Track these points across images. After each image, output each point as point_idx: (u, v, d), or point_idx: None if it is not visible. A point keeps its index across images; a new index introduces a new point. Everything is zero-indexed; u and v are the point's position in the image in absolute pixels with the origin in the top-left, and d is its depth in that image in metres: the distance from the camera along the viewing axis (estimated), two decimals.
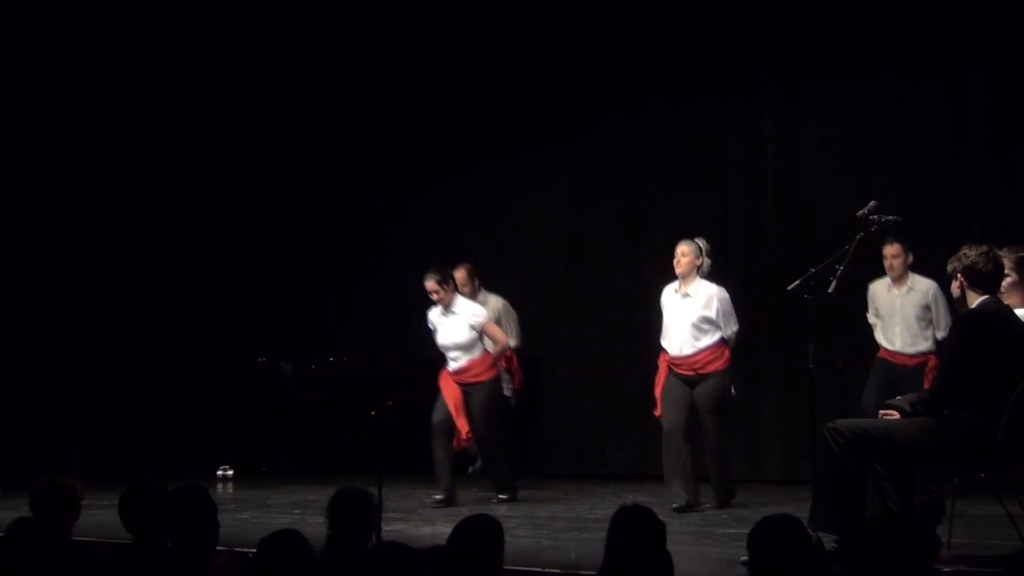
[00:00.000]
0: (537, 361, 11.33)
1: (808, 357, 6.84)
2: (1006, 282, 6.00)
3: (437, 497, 8.92)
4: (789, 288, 7.42)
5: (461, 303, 9.16)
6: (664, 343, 8.61)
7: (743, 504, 8.65)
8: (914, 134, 10.00)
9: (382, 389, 9.42)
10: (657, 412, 8.63)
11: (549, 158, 11.44)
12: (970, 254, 5.80)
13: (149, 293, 11.55)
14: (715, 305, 8.42)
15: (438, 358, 9.36)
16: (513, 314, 10.24)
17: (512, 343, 9.85)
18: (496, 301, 10.12)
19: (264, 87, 12.12)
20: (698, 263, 8.46)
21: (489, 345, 9.27)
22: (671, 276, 8.62)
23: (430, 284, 9.04)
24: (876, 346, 9.19)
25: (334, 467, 10.55)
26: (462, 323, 9.06)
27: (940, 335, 8.86)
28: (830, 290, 6.52)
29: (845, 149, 10.28)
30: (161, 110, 11.58)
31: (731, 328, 8.52)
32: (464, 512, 6.77)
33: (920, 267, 9.02)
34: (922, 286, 8.90)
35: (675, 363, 8.52)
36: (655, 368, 8.72)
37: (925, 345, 8.91)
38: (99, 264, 11.26)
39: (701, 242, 8.51)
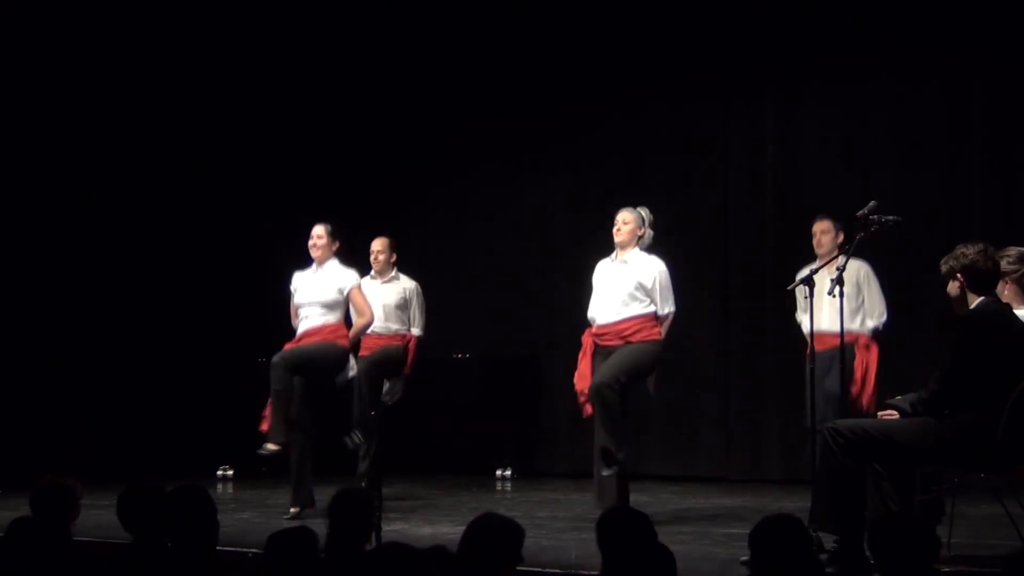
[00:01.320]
0: (537, 361, 11.34)
1: (809, 356, 6.86)
2: (1008, 290, 6.00)
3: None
4: (789, 288, 7.44)
5: (334, 264, 8.52)
6: (591, 314, 7.96)
7: (743, 504, 8.65)
8: (914, 134, 10.01)
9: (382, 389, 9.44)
10: (582, 399, 7.87)
11: (549, 158, 11.44)
12: (968, 253, 5.79)
13: (149, 293, 11.55)
14: (653, 275, 7.81)
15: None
16: (423, 302, 9.47)
17: (415, 331, 9.28)
18: (408, 282, 9.42)
19: (264, 87, 12.12)
20: (640, 233, 7.91)
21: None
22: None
23: (318, 229, 8.51)
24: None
25: (334, 467, 10.55)
26: (330, 282, 8.45)
27: (872, 323, 8.48)
28: (829, 290, 6.52)
29: (845, 149, 10.28)
30: (161, 110, 11.58)
31: (667, 306, 7.85)
32: (465, 512, 6.79)
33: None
34: (852, 266, 8.10)
35: (602, 334, 7.82)
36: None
37: (853, 325, 8.23)
38: (99, 264, 11.26)
39: (644, 212, 7.98)
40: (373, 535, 5.04)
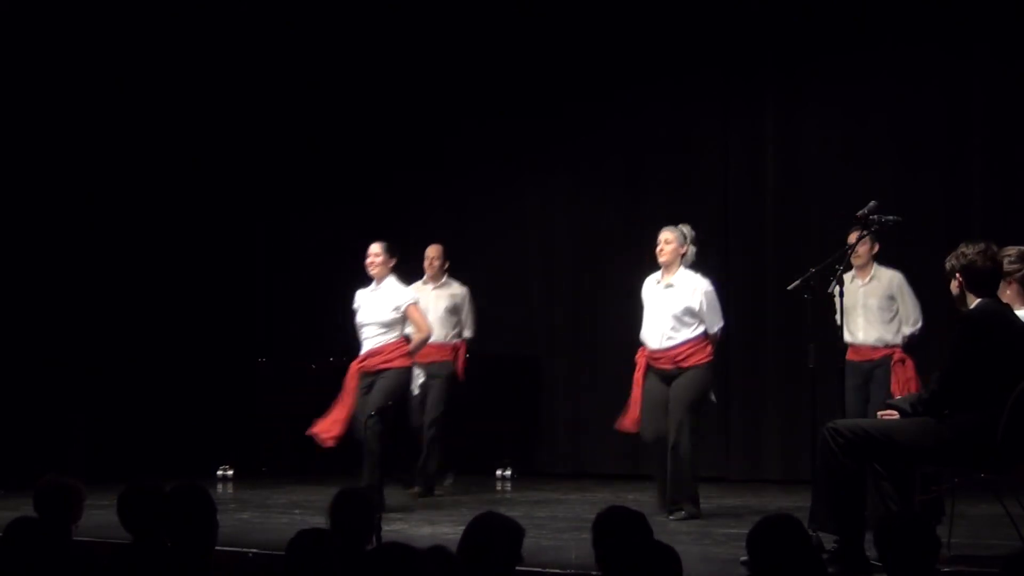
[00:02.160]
0: (537, 361, 11.34)
1: (808, 357, 6.85)
2: (1010, 290, 6.00)
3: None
4: (789, 288, 7.43)
5: (391, 282, 8.72)
6: (644, 336, 8.15)
7: (743, 504, 8.64)
8: (914, 134, 10.01)
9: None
10: (626, 422, 8.11)
11: (549, 158, 11.44)
12: (968, 252, 5.78)
13: (149, 293, 11.54)
14: (699, 298, 7.98)
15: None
16: (474, 305, 9.97)
17: (466, 333, 9.88)
18: (459, 288, 9.91)
19: (264, 87, 12.12)
20: (682, 251, 8.04)
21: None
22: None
23: (374, 248, 8.71)
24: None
25: (334, 467, 10.56)
26: (387, 301, 8.64)
27: (908, 330, 8.60)
28: (830, 290, 6.53)
29: (845, 149, 10.29)
30: (161, 110, 11.57)
31: (716, 324, 8.06)
32: (465, 512, 6.79)
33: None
34: (885, 276, 8.61)
35: (655, 357, 8.02)
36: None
37: (888, 336, 8.55)
38: (99, 264, 11.25)
39: (686, 229, 8.11)
40: (373, 535, 5.03)
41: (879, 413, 6.02)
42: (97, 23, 11.01)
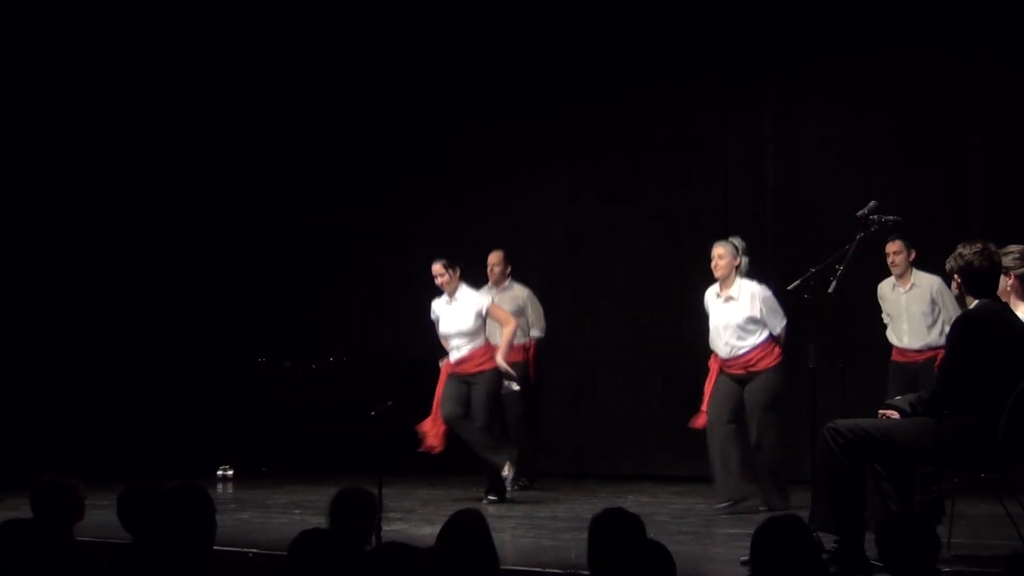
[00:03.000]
0: (537, 361, 11.31)
1: (808, 357, 6.85)
2: (1011, 284, 6.00)
3: (491, 498, 8.99)
4: (789, 288, 7.43)
5: (465, 290, 9.11)
6: (713, 346, 8.52)
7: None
8: (914, 134, 10.00)
9: (382, 389, 9.44)
10: (698, 421, 8.52)
11: (549, 158, 11.44)
12: (965, 253, 5.78)
13: (149, 293, 11.54)
14: (758, 305, 8.32)
15: (437, 353, 9.36)
16: (539, 305, 10.22)
17: (535, 333, 10.08)
18: (521, 290, 10.16)
19: (264, 87, 12.12)
20: (736, 263, 8.37)
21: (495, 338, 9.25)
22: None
23: (436, 267, 9.04)
24: (884, 346, 9.19)
25: (334, 467, 10.56)
26: (467, 310, 9.03)
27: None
28: (830, 290, 6.52)
29: (845, 149, 10.28)
30: (161, 111, 11.58)
31: (779, 326, 8.41)
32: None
33: (921, 267, 9.02)
34: (926, 282, 8.91)
35: (727, 365, 8.43)
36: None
37: (932, 339, 8.88)
38: (99, 264, 11.25)
39: (736, 241, 8.42)
40: (373, 535, 5.03)
41: (879, 413, 6.02)
42: (98, 23, 11.01)
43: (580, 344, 11.29)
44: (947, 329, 8.69)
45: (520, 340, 9.92)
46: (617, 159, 11.18)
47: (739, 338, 8.34)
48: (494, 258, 10.02)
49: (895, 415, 5.88)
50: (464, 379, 9.03)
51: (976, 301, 5.77)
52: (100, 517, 6.44)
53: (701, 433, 8.71)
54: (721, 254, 8.35)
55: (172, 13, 11.26)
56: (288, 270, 12.65)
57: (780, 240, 10.42)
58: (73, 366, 10.96)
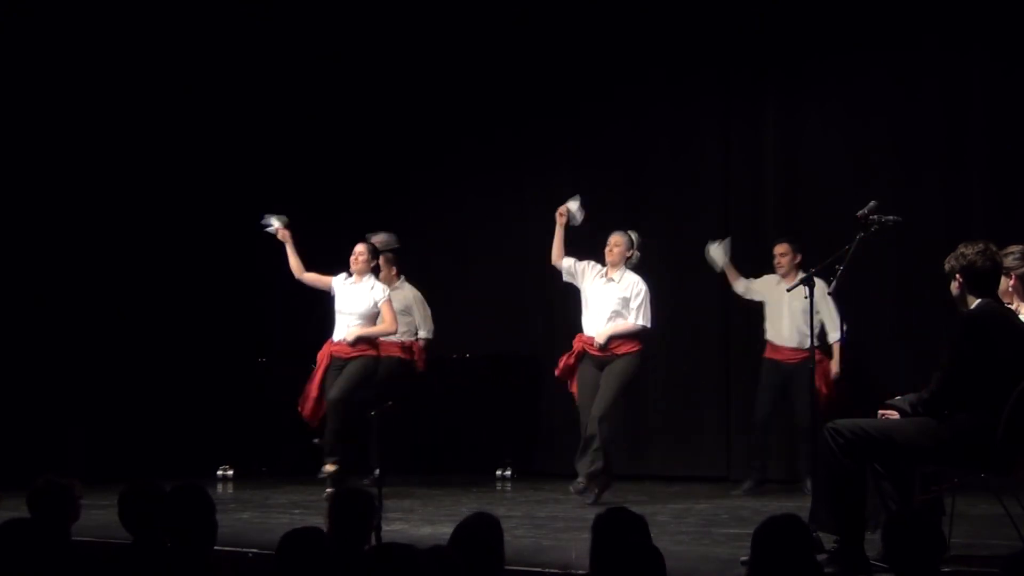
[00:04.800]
0: (537, 361, 11.33)
1: (807, 357, 6.85)
2: (1012, 285, 6.00)
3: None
4: (789, 288, 7.44)
5: (371, 278, 9.52)
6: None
7: (743, 504, 8.65)
8: (914, 134, 10.00)
9: (382, 389, 9.46)
10: None
11: (550, 158, 11.43)
12: (967, 253, 5.78)
13: (149, 293, 11.54)
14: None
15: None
16: (426, 307, 10.51)
17: (422, 333, 10.38)
18: (410, 290, 10.43)
19: (273, 90, 12.12)
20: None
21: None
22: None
23: (359, 248, 9.48)
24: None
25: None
26: (369, 295, 9.42)
27: (834, 336, 9.16)
28: (830, 291, 6.52)
29: (845, 149, 10.28)
30: (162, 111, 11.57)
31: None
32: (465, 511, 6.79)
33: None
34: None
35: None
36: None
37: (806, 341, 8.57)
38: (99, 264, 11.24)
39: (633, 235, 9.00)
40: (373, 535, 5.03)
41: (879, 413, 6.02)
42: (97, 23, 11.01)
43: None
44: (828, 332, 9.12)
45: (406, 338, 10.22)
46: (617, 159, 11.17)
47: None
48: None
49: (895, 415, 5.88)
50: (340, 362, 9.38)
51: (977, 301, 5.77)
52: (100, 517, 6.45)
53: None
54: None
55: (175, 14, 11.27)
56: (288, 270, 12.62)
57: (780, 240, 10.40)
58: (73, 366, 10.95)
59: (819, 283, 8.53)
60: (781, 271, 9.36)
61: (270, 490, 9.92)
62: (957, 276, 5.81)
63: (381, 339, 9.63)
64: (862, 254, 6.57)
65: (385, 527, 6.25)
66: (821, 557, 5.53)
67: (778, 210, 10.51)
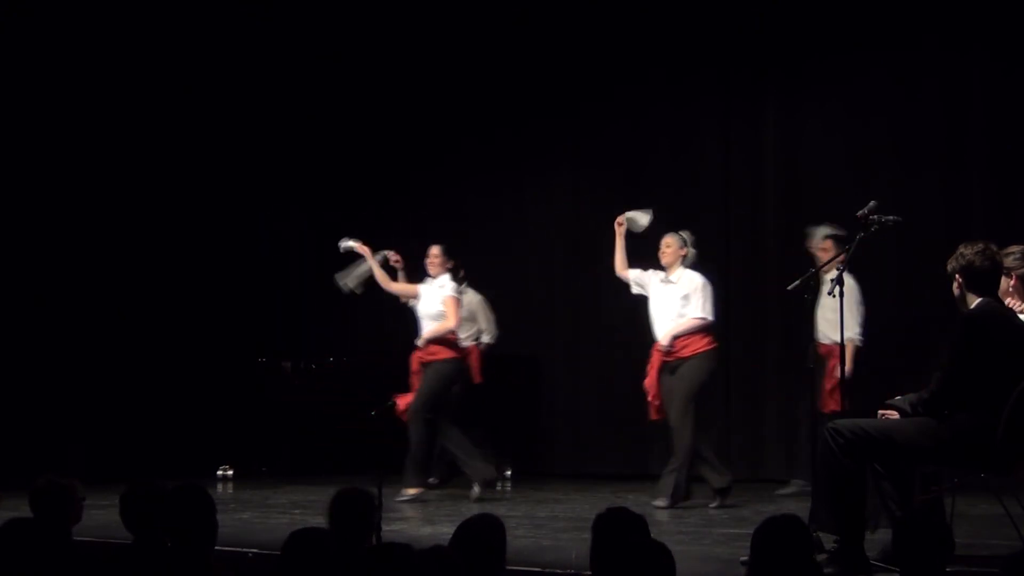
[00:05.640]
0: (537, 361, 11.33)
1: (808, 357, 6.86)
2: (1012, 286, 5.99)
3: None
4: (789, 288, 7.43)
5: (444, 277, 9.46)
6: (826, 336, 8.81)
7: (743, 504, 8.65)
8: (914, 134, 10.01)
9: (382, 389, 9.46)
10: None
11: (550, 159, 11.44)
12: (967, 253, 5.78)
13: (149, 293, 11.54)
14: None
15: None
16: (491, 312, 10.32)
17: (486, 339, 10.17)
18: (474, 295, 10.16)
19: (275, 90, 12.13)
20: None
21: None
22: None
23: (434, 250, 9.45)
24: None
25: (334, 467, 10.56)
26: (438, 294, 9.37)
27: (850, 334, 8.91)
28: (829, 291, 6.52)
29: (845, 149, 10.28)
30: (163, 111, 11.58)
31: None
32: (465, 511, 6.79)
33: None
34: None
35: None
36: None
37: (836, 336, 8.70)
38: (99, 264, 11.25)
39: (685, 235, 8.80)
40: (373, 535, 5.03)
41: (879, 413, 6.02)
42: (97, 23, 11.01)
43: (580, 343, 11.29)
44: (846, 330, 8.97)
45: (468, 343, 9.96)
46: (617, 159, 11.18)
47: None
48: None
49: (895, 415, 5.88)
50: (422, 364, 9.32)
51: (977, 301, 5.77)
52: (100, 517, 6.45)
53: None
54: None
55: (176, 14, 11.27)
56: (288, 271, 12.64)
57: (780, 240, 10.42)
58: (73, 366, 10.96)
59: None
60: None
61: (270, 490, 9.92)
62: (957, 277, 5.81)
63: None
64: (862, 254, 6.57)
65: (385, 527, 6.24)
66: (821, 557, 5.54)
67: (778, 210, 10.51)
